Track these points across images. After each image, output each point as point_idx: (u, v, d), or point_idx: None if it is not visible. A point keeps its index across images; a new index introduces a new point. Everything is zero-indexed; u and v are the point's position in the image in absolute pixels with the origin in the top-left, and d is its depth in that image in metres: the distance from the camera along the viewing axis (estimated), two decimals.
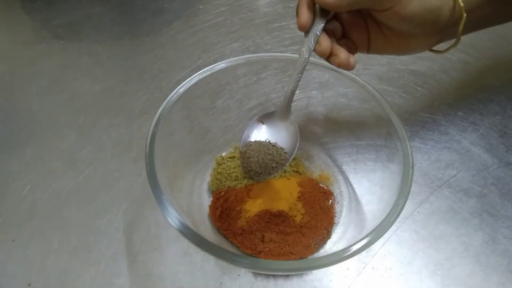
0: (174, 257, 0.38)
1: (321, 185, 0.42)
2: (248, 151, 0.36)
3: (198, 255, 0.38)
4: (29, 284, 0.36)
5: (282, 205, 0.39)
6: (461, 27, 0.34)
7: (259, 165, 0.35)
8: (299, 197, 0.40)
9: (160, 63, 0.58)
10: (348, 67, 0.34)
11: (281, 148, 0.36)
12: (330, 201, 0.41)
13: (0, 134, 0.49)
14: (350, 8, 0.32)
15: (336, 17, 0.36)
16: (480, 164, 0.46)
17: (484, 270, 0.38)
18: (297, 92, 0.35)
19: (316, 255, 0.37)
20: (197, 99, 0.41)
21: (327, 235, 0.38)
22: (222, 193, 0.41)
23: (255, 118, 0.37)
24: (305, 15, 0.32)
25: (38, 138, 0.48)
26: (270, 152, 0.36)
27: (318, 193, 0.41)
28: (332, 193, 0.42)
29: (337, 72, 0.40)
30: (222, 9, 0.68)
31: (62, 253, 0.38)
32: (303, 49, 0.33)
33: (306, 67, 0.33)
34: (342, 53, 0.33)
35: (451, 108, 0.52)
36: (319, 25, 0.32)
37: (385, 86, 0.54)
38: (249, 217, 0.38)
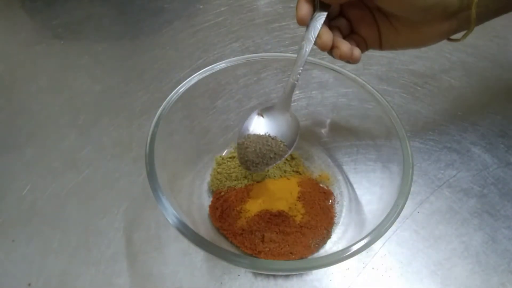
0: (174, 257, 0.38)
1: (321, 185, 0.42)
2: (245, 142, 0.35)
3: (198, 255, 0.38)
4: (29, 284, 0.36)
5: (282, 205, 0.39)
6: (473, 9, 0.32)
7: (257, 155, 0.35)
8: (299, 197, 0.40)
9: (160, 63, 0.58)
10: (352, 59, 0.33)
11: (280, 141, 0.36)
12: (330, 201, 0.41)
13: (0, 134, 0.49)
14: None
15: (342, 13, 0.35)
16: (480, 164, 0.46)
17: (484, 270, 0.38)
18: (297, 92, 0.35)
19: (316, 255, 0.37)
20: (197, 99, 0.41)
21: (327, 235, 0.38)
22: (222, 193, 0.41)
23: (255, 111, 0.37)
24: (304, 8, 0.31)
25: (38, 138, 0.48)
26: (269, 143, 0.35)
27: (318, 193, 0.41)
28: (332, 193, 0.42)
29: (337, 72, 0.40)
30: (222, 9, 0.68)
31: (62, 253, 0.38)
32: (304, 42, 0.32)
33: (306, 67, 0.33)
34: (344, 45, 0.32)
35: (451, 108, 0.52)
36: (319, 19, 0.32)
37: (385, 86, 0.54)
38: (249, 217, 0.38)
